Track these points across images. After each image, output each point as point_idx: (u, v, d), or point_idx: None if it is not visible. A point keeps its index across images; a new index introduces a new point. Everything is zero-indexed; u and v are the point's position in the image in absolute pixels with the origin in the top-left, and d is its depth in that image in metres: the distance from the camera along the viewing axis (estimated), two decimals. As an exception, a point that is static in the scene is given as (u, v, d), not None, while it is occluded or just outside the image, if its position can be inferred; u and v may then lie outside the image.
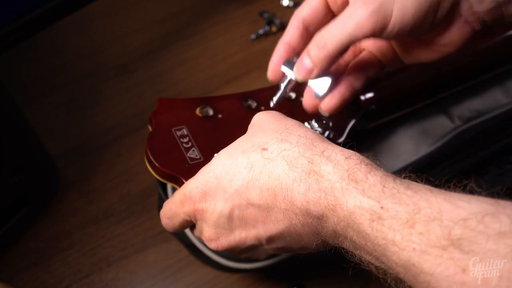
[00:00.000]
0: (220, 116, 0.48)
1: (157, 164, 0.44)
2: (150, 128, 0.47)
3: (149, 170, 0.45)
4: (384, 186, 0.33)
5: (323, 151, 0.36)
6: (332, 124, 0.48)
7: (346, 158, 0.36)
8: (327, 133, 0.48)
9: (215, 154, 0.41)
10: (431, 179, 0.34)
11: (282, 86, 0.46)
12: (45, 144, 0.59)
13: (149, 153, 0.44)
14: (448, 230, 0.30)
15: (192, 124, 0.47)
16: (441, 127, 0.56)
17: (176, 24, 0.76)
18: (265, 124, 0.41)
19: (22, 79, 0.71)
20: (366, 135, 0.56)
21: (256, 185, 0.37)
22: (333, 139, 0.49)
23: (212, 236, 0.41)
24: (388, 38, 0.43)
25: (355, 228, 0.33)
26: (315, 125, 0.47)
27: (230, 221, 0.39)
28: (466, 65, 0.55)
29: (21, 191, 0.56)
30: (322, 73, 0.43)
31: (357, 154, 0.36)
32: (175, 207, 0.42)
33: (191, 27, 0.76)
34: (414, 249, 0.30)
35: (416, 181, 0.34)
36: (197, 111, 0.48)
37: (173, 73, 0.72)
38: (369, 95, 0.51)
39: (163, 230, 0.60)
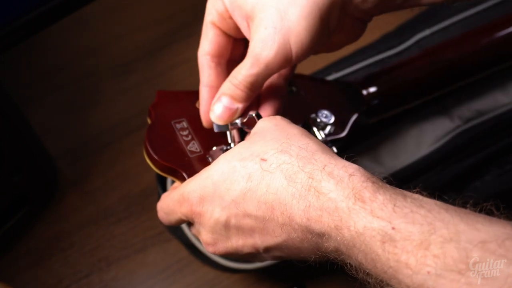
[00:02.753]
0: None
1: (156, 157, 0.43)
2: (149, 120, 0.47)
3: (148, 167, 0.45)
4: (394, 205, 0.31)
5: (325, 166, 0.35)
6: (335, 118, 0.48)
7: (350, 175, 0.34)
8: (329, 127, 0.47)
9: (215, 161, 0.40)
10: (445, 197, 0.33)
11: (229, 134, 0.44)
12: (45, 144, 0.59)
13: (148, 146, 0.44)
14: (466, 253, 0.28)
15: (192, 117, 0.46)
16: (441, 127, 0.56)
17: (176, 24, 0.76)
18: (267, 132, 0.39)
19: (22, 79, 0.71)
20: (367, 135, 0.56)
21: (254, 196, 0.36)
22: (335, 134, 0.48)
23: (209, 241, 0.40)
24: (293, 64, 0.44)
25: (362, 249, 0.32)
26: (318, 119, 0.47)
27: (227, 228, 0.39)
28: (469, 60, 0.55)
29: (21, 191, 0.56)
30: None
31: (362, 170, 0.34)
32: (172, 205, 0.42)
33: (191, 27, 0.76)
34: (428, 272, 0.29)
35: (429, 198, 0.32)
36: (197, 104, 0.47)
37: (173, 73, 0.72)
38: (372, 89, 0.51)
39: (163, 230, 0.60)
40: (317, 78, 0.52)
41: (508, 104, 0.57)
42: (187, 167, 0.43)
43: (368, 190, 0.33)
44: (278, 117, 0.41)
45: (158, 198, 0.57)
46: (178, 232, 0.55)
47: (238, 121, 0.43)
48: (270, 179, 0.36)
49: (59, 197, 0.62)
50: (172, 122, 0.45)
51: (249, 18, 0.41)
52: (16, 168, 0.54)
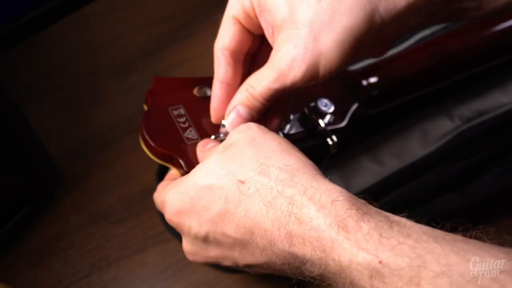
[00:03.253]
0: None
1: (152, 144, 0.43)
2: (145, 107, 0.47)
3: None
4: (381, 235, 0.30)
5: (306, 190, 0.33)
6: (334, 107, 0.47)
7: (333, 200, 0.32)
8: (328, 116, 0.47)
9: (192, 171, 0.38)
10: (433, 224, 0.31)
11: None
12: (45, 144, 0.59)
13: (144, 133, 0.43)
14: None
15: (189, 104, 0.46)
16: (441, 127, 0.56)
17: (176, 24, 0.76)
18: (244, 147, 0.37)
19: (22, 79, 0.71)
20: (367, 134, 0.56)
21: (232, 219, 0.35)
22: (334, 123, 0.48)
23: (188, 251, 0.40)
24: None
25: (349, 281, 0.30)
26: (317, 108, 0.47)
27: (205, 242, 0.38)
28: (470, 52, 0.54)
29: (21, 191, 0.56)
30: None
31: (345, 194, 0.33)
32: (159, 205, 0.42)
33: (191, 27, 0.76)
34: None
35: (416, 225, 0.31)
36: (195, 91, 0.47)
37: (173, 73, 0.72)
38: (372, 80, 0.51)
39: (163, 230, 0.60)
40: None
41: (508, 104, 0.57)
42: (184, 153, 0.43)
43: (352, 218, 0.31)
44: (254, 127, 0.39)
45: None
46: (178, 232, 0.55)
47: None
48: (248, 203, 0.34)
49: (59, 197, 0.62)
50: (169, 109, 0.45)
51: (276, 28, 0.39)
52: (16, 168, 0.54)
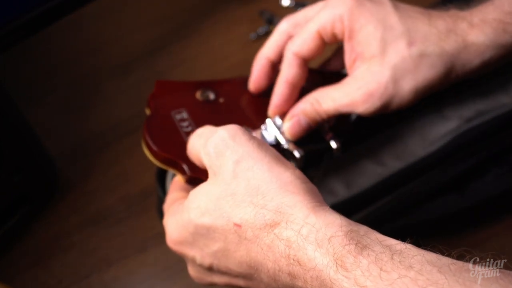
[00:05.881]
0: (221, 100, 0.46)
1: (155, 149, 0.42)
2: (147, 111, 0.46)
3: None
4: (381, 269, 0.28)
5: (301, 227, 0.32)
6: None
7: (331, 237, 0.31)
8: (333, 120, 0.47)
9: (185, 203, 0.38)
10: (440, 247, 0.29)
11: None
12: (45, 144, 0.59)
13: (147, 137, 0.43)
14: None
15: (192, 108, 0.45)
16: (441, 127, 0.56)
17: (176, 24, 0.76)
18: (232, 181, 0.35)
19: (22, 79, 0.71)
20: (367, 135, 0.56)
21: (234, 256, 0.35)
22: (340, 125, 0.48)
23: (193, 275, 0.41)
24: None
25: None
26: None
27: (210, 271, 0.38)
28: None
29: (21, 191, 0.56)
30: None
31: (345, 227, 0.31)
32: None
33: (191, 27, 0.76)
34: None
35: (419, 254, 0.29)
36: (198, 95, 0.46)
37: (173, 73, 0.72)
38: None
39: (162, 231, 0.59)
40: (319, 71, 0.51)
41: (510, 104, 0.57)
42: (187, 158, 0.42)
43: (351, 254, 0.30)
44: (245, 143, 0.36)
45: (157, 198, 0.57)
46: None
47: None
48: (248, 245, 0.34)
49: (59, 197, 0.62)
50: (172, 113, 0.45)
51: (362, 59, 0.43)
52: (16, 168, 0.54)
